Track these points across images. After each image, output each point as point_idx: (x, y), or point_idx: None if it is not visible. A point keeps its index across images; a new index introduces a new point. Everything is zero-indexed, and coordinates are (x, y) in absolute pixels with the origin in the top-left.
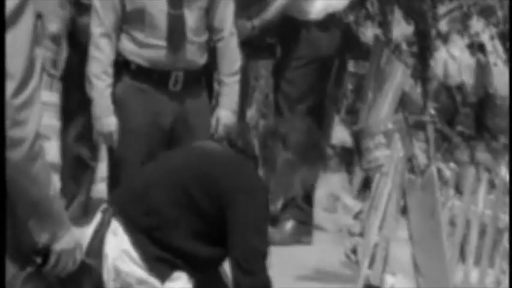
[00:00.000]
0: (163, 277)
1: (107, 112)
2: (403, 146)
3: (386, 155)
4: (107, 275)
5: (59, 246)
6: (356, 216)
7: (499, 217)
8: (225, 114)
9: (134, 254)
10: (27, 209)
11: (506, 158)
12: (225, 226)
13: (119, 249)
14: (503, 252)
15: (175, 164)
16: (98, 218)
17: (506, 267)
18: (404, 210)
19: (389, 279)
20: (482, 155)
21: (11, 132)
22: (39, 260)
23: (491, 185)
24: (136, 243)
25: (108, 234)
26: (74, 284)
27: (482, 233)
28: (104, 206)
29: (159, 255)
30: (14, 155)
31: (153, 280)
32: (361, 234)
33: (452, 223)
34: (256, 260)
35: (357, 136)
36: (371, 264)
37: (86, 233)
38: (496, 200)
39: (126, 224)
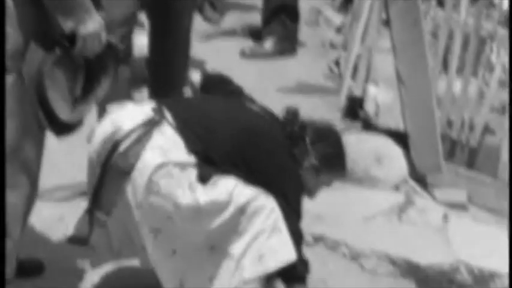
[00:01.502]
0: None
1: None
2: None
3: None
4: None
5: (85, 30)
6: (338, 29)
7: (482, 26)
8: None
9: (180, 149)
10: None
11: None
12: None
13: (163, 147)
14: (485, 62)
15: (242, 121)
16: (146, 112)
17: (488, 77)
18: (386, 22)
19: (371, 89)
20: None
21: None
22: (66, 43)
23: None
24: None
25: (154, 131)
26: (99, 65)
27: (465, 43)
28: (154, 105)
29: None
30: None
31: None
32: (344, 47)
33: (434, 34)
34: (297, 243)
35: None
36: (354, 75)
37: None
38: (479, 9)
39: (179, 134)
